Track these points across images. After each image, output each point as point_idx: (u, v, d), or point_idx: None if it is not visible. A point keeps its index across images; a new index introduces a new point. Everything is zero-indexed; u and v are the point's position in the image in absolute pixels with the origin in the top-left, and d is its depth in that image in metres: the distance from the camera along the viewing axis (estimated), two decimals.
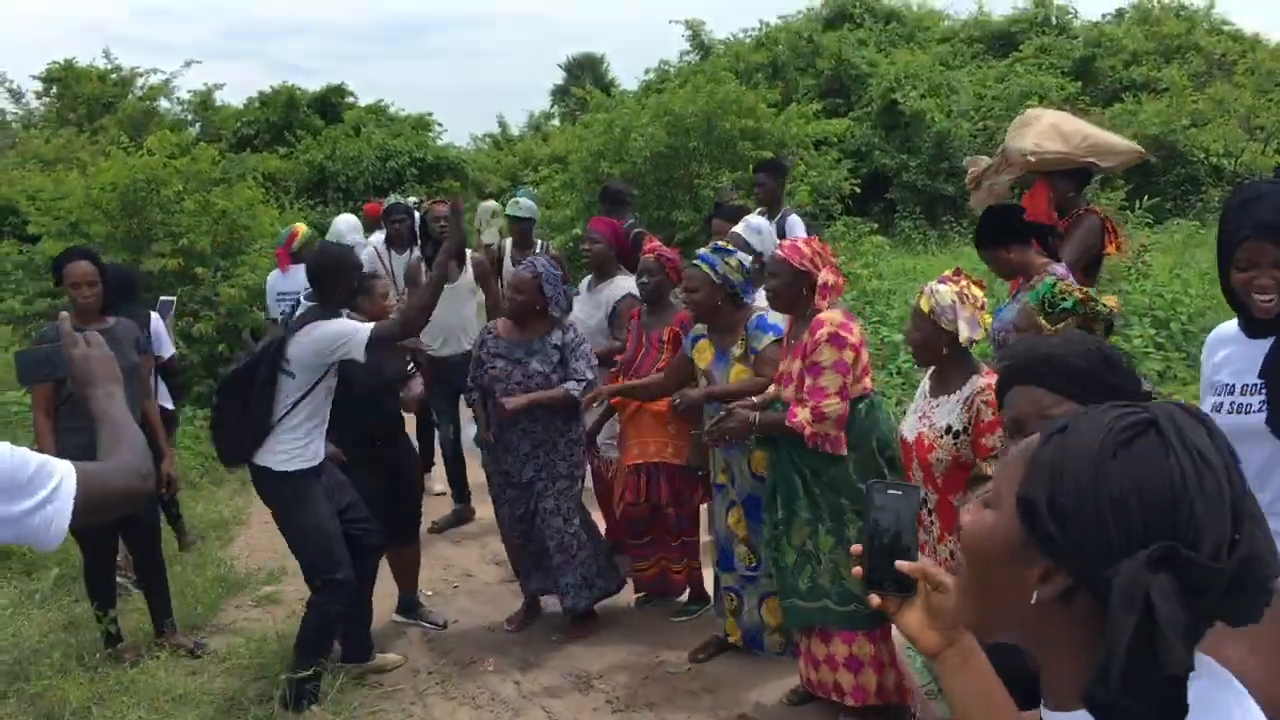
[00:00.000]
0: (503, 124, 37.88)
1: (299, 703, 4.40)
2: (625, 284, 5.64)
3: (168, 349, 6.33)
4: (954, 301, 3.48)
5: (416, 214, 7.40)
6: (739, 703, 4.44)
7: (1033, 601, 1.07)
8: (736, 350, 4.53)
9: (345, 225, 8.29)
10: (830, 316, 3.95)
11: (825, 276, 4.02)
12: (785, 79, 20.74)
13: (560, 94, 40.25)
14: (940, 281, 3.57)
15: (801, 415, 3.89)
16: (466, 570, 6.24)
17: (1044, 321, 3.00)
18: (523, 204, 7.28)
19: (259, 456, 4.44)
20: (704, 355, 4.64)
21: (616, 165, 12.73)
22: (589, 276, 5.95)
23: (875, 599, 1.44)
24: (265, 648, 5.00)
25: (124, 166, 10.19)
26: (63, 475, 1.75)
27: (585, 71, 40.85)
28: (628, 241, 5.93)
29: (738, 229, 5.02)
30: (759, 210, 7.24)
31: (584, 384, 4.84)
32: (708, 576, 5.20)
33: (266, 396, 4.39)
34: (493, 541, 6.52)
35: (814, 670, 4.19)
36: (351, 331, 4.33)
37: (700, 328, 4.70)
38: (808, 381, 3.91)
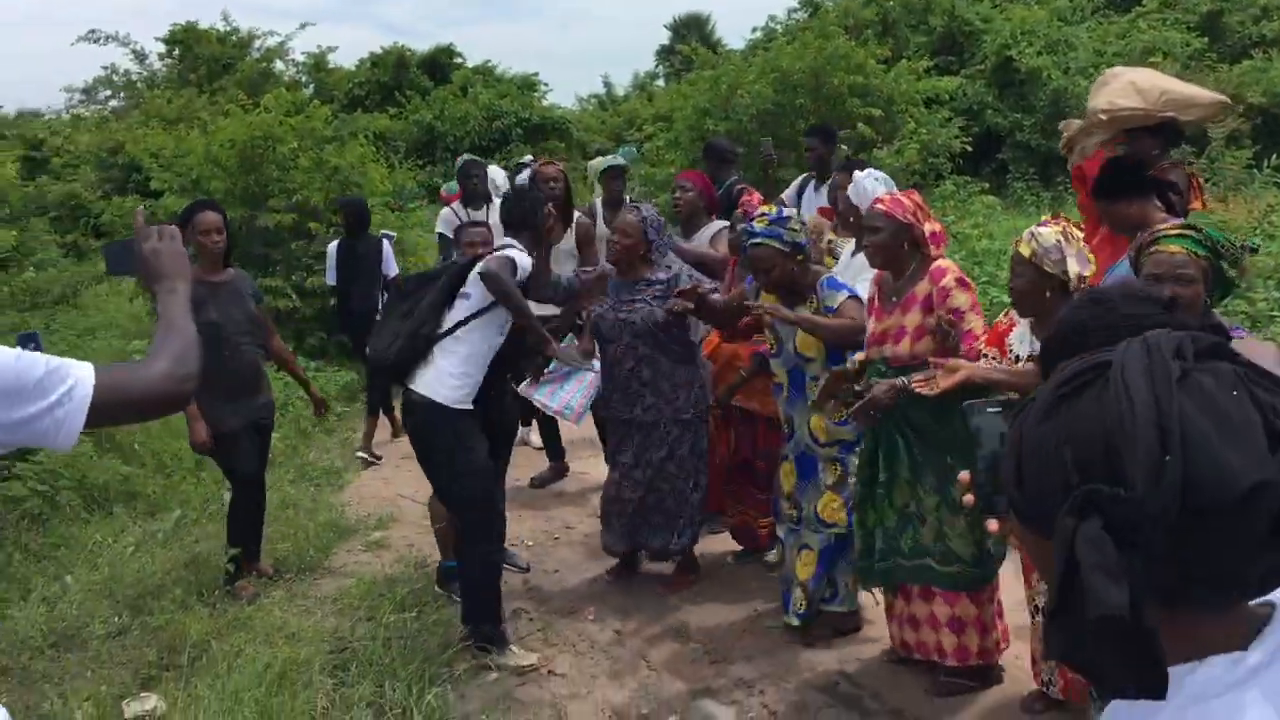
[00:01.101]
0: (608, 84, 37.97)
1: (491, 644, 4.51)
2: (718, 224, 5.67)
3: (393, 269, 8.00)
4: (1059, 241, 3.39)
5: (525, 172, 7.51)
6: (835, 658, 4.44)
7: None
8: (805, 311, 4.45)
9: (497, 175, 8.65)
10: (948, 264, 3.90)
11: (932, 226, 3.95)
12: (896, 36, 20.27)
13: (665, 54, 40.04)
14: (1040, 225, 3.49)
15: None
16: (566, 522, 6.33)
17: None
18: (618, 155, 7.28)
19: (424, 387, 4.45)
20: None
21: (722, 123, 12.61)
22: (676, 227, 5.95)
23: (993, 523, 1.35)
24: (374, 590, 5.15)
25: (242, 124, 10.48)
26: (78, 380, 1.72)
27: (691, 31, 40.53)
28: (717, 193, 5.89)
29: (850, 191, 4.98)
30: (809, 173, 7.14)
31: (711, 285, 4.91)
32: None
33: (437, 304, 4.48)
34: (593, 495, 6.60)
35: (913, 631, 4.15)
36: (507, 258, 4.42)
37: None
38: (953, 330, 3.83)
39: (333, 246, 8.10)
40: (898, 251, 3.96)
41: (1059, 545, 0.93)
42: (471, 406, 4.48)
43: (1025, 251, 3.44)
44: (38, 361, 1.70)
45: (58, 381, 1.70)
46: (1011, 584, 4.24)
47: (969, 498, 1.38)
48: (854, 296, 4.33)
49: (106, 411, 1.76)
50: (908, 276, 3.96)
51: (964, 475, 1.39)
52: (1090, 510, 0.92)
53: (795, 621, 4.60)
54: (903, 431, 3.97)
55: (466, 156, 8.21)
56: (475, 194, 7.56)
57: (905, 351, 3.92)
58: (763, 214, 4.49)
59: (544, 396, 5.17)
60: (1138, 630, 0.89)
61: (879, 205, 4.00)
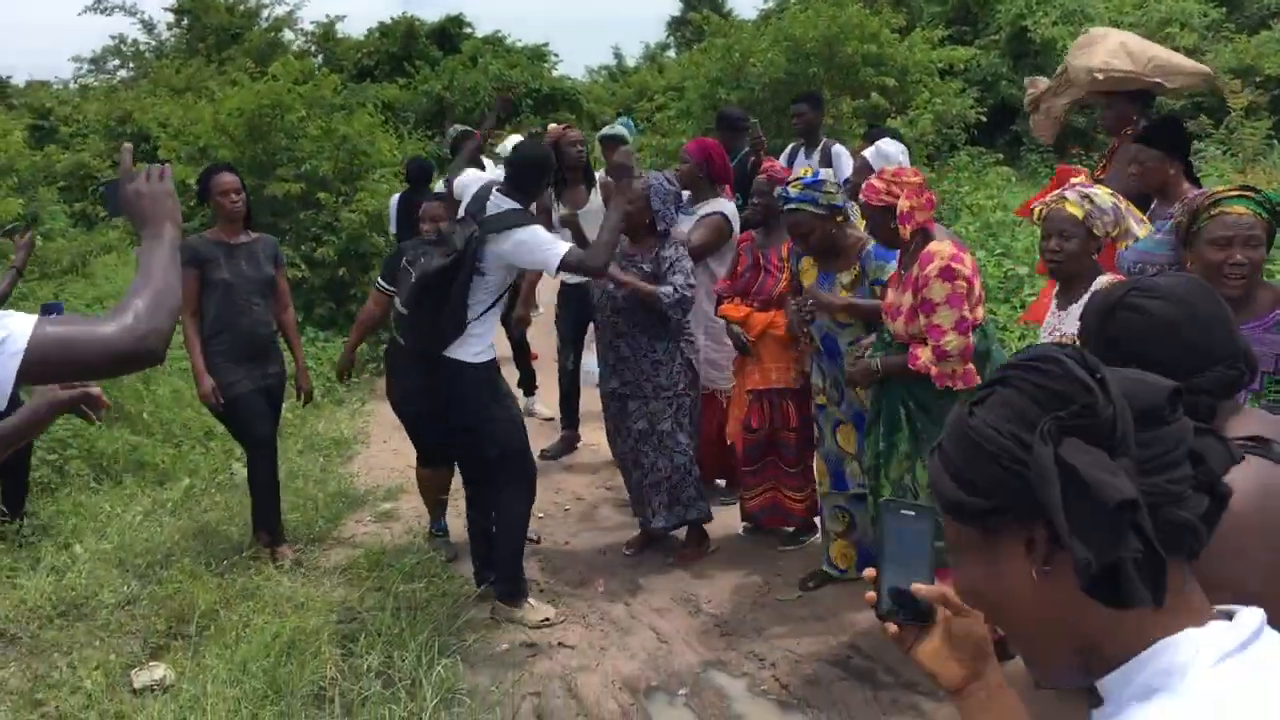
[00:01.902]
0: (618, 55, 37.76)
1: (513, 599, 4.61)
2: (718, 204, 5.55)
3: None
4: (1115, 204, 3.31)
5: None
6: (848, 631, 4.40)
7: (1035, 575, 1.04)
8: (845, 277, 4.40)
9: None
10: (940, 249, 3.77)
11: (901, 205, 3.81)
12: (909, 6, 20.06)
13: (677, 24, 39.75)
14: (1082, 186, 3.39)
15: (924, 357, 3.75)
16: (578, 494, 6.29)
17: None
18: (616, 125, 7.21)
19: (453, 352, 4.48)
20: (809, 274, 4.56)
21: (734, 92, 12.49)
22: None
23: (892, 628, 1.33)
24: (382, 560, 5.13)
25: (250, 93, 10.39)
26: (10, 334, 1.62)
27: (703, 1, 40.19)
28: (724, 162, 5.74)
29: (866, 153, 4.90)
30: (797, 141, 7.07)
31: (676, 297, 4.78)
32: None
33: (462, 295, 4.42)
34: (604, 467, 6.57)
35: None
36: (550, 244, 4.37)
37: None
38: (922, 319, 3.77)
39: (394, 199, 8.36)
40: (890, 233, 3.91)
41: (1043, 473, 0.98)
42: (491, 358, 4.56)
43: (1078, 213, 3.32)
44: None
45: None
46: None
47: (870, 595, 1.36)
48: None
49: (48, 369, 1.67)
50: (910, 254, 3.89)
51: (870, 573, 1.37)
52: (1060, 435, 0.99)
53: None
54: (904, 403, 3.92)
55: (459, 127, 8.16)
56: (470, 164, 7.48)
57: (901, 330, 3.87)
58: (797, 178, 4.44)
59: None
60: (1141, 525, 0.95)
61: (861, 197, 3.98)
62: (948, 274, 3.72)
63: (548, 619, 4.61)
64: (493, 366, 4.56)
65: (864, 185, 3.96)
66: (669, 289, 4.77)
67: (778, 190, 4.70)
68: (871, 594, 1.35)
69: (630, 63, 37.86)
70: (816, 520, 5.07)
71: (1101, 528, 0.95)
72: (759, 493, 5.29)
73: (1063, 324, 3.39)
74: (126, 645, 4.37)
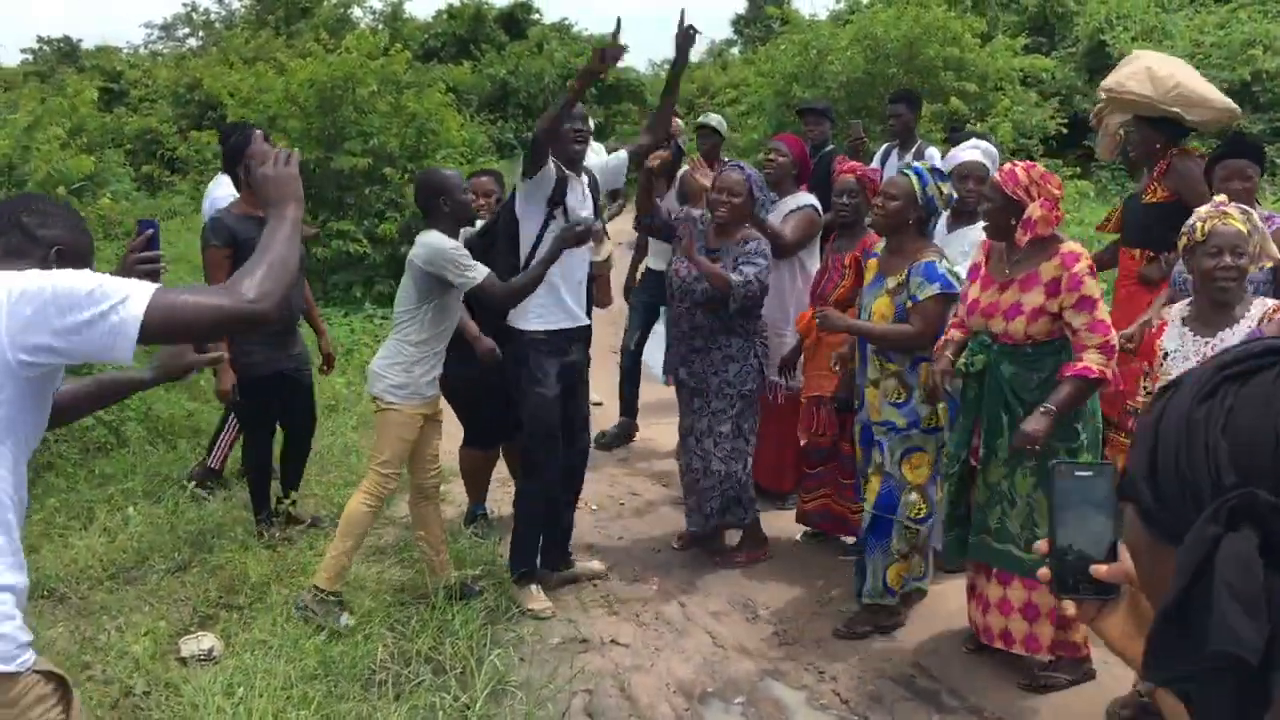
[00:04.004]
0: None
1: (517, 579, 4.60)
2: (804, 198, 5.41)
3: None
4: (1260, 223, 3.22)
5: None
6: (912, 648, 4.25)
7: None
8: (892, 282, 4.22)
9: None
10: (1080, 249, 3.67)
11: (1033, 211, 3.64)
12: (985, 14, 19.74)
13: (743, 23, 39.59)
14: (1225, 204, 3.26)
15: (1094, 361, 3.54)
16: (633, 489, 6.17)
17: None
18: (714, 117, 7.09)
19: (513, 319, 4.47)
20: (868, 275, 4.42)
21: (809, 90, 12.31)
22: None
23: (1069, 606, 1.17)
24: None
25: (323, 64, 10.36)
26: (130, 294, 1.81)
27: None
28: (809, 161, 5.63)
29: (973, 153, 4.81)
30: (892, 141, 6.90)
31: (744, 286, 4.63)
32: None
33: (508, 245, 4.45)
34: (659, 461, 6.45)
35: (982, 614, 3.99)
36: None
37: (881, 244, 4.45)
38: (1084, 318, 3.57)
39: None
40: (1003, 225, 3.74)
41: (1190, 552, 0.77)
42: (544, 332, 4.49)
43: (1244, 229, 3.21)
44: (86, 278, 1.83)
45: (110, 293, 1.81)
46: None
47: (1044, 573, 1.18)
48: (945, 293, 4.07)
49: (166, 326, 1.85)
50: (1032, 252, 3.71)
51: (1040, 545, 1.20)
52: (1242, 521, 0.75)
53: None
54: (1009, 407, 3.75)
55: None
56: None
57: (1020, 331, 3.70)
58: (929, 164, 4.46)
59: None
60: (1263, 678, 0.73)
61: (997, 174, 3.81)
62: (1094, 273, 3.65)
63: (537, 614, 4.50)
64: (535, 342, 4.46)
65: (1004, 169, 3.78)
66: (739, 277, 4.64)
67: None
68: (1045, 570, 1.19)
69: (694, 58, 37.78)
70: None
71: (1185, 656, 0.77)
72: (817, 496, 5.16)
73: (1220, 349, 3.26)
74: (175, 613, 4.31)
